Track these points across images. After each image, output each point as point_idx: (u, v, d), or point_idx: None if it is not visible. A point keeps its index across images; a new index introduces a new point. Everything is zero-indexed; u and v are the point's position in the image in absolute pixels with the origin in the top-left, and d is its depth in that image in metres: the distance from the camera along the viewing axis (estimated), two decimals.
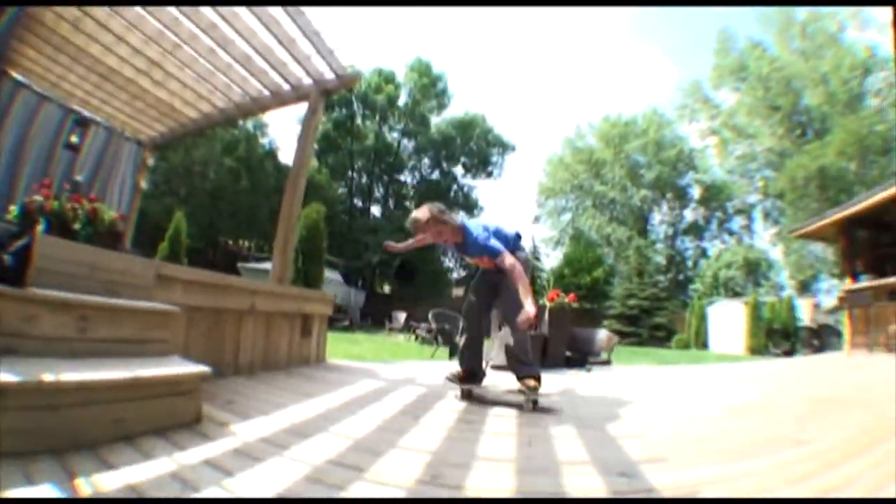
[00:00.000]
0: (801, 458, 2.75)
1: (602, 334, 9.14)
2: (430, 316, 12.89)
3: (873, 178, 28.73)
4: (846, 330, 11.74)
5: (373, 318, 27.94)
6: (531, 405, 3.95)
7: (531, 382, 4.03)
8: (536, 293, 9.91)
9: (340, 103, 38.41)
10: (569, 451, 2.80)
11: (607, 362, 8.63)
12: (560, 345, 8.08)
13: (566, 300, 8.16)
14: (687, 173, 48.34)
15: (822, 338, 18.97)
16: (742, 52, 41.98)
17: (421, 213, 4.05)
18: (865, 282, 11.17)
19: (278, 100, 7.04)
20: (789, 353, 19.13)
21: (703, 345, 25.66)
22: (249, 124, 33.14)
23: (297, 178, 6.70)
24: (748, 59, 40.90)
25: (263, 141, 35.67)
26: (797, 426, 3.60)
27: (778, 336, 21.54)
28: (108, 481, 1.85)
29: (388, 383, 4.96)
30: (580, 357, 8.30)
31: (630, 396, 5.02)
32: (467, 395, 4.36)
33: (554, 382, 5.73)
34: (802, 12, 38.80)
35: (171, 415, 2.70)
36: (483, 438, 3.00)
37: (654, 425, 3.68)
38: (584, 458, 2.67)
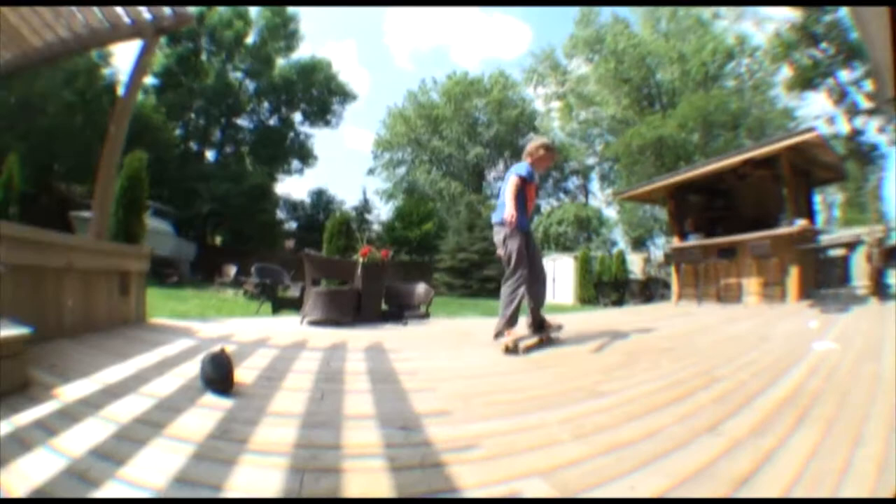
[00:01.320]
0: (595, 409, 2.98)
1: (420, 288, 9.35)
2: (252, 270, 12.85)
3: (717, 149, 31.32)
4: (674, 283, 13.27)
5: (204, 272, 26.40)
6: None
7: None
8: (352, 249, 10.57)
9: (188, 36, 35.81)
10: (358, 405, 2.99)
11: (426, 315, 8.86)
12: (375, 299, 8.40)
13: (379, 255, 8.43)
14: (528, 134, 48.94)
15: (650, 289, 20.39)
16: (603, 26, 43.09)
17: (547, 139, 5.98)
18: (696, 240, 12.65)
19: (117, 33, 6.62)
20: (618, 302, 20.39)
21: None
22: (94, 53, 30.01)
23: (120, 122, 6.43)
24: (608, 33, 42.01)
25: (108, 72, 31.60)
26: (602, 377, 3.84)
27: (608, 287, 22.75)
28: None
29: (203, 342, 4.99)
30: (397, 311, 8.61)
31: (436, 350, 5.38)
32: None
33: (364, 337, 5.91)
34: None
35: None
36: (278, 395, 3.16)
37: (450, 378, 3.84)
38: (370, 411, 2.87)
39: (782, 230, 10.49)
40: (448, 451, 2.29)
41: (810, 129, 10.39)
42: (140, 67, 6.72)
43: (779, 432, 2.54)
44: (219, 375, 3.16)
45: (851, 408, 2.99)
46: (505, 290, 5.46)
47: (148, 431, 2.37)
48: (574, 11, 44.07)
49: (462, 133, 48.64)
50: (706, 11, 39.56)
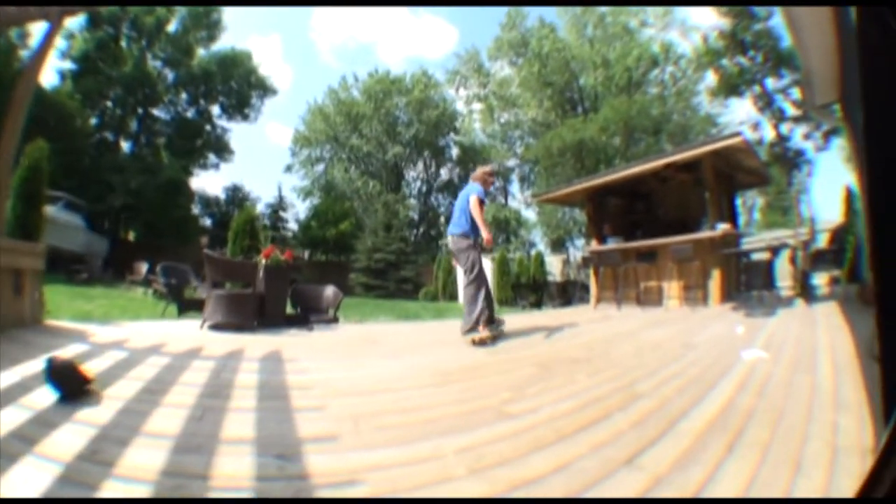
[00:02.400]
0: (500, 435, 2.75)
1: (329, 290, 9.10)
2: (157, 269, 12.15)
3: (638, 154, 31.54)
4: (593, 286, 13.16)
5: (117, 268, 24.85)
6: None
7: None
8: (255, 250, 10.08)
9: (109, 21, 33.84)
10: (237, 426, 2.81)
11: (334, 320, 8.61)
12: (279, 303, 8.04)
13: (283, 257, 8.04)
14: (448, 134, 49.20)
15: (569, 292, 20.41)
16: (529, 30, 43.09)
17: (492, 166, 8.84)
18: (615, 244, 12.52)
19: (23, 14, 6.10)
20: (536, 304, 20.24)
21: (452, 297, 26.64)
22: (14, 33, 28.05)
23: (18, 108, 5.96)
24: (533, 36, 42.05)
25: (25, 54, 28.92)
26: (512, 394, 3.60)
27: (526, 289, 22.53)
28: None
29: (96, 347, 4.75)
30: (303, 315, 8.29)
31: (336, 359, 5.17)
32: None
33: (264, 344, 5.68)
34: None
35: None
36: (157, 411, 2.97)
37: (345, 394, 3.64)
38: (248, 434, 2.66)
39: (704, 234, 10.55)
40: (326, 486, 2.12)
41: (736, 134, 10.53)
42: (42, 51, 6.33)
43: (707, 463, 2.34)
44: (60, 384, 3.05)
45: (787, 428, 2.84)
46: (468, 292, 6.56)
47: (18, 447, 2.25)
48: (500, 14, 44.25)
49: (382, 132, 47.73)
50: (633, 19, 40.51)
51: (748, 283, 11.01)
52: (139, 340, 5.35)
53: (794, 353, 5.07)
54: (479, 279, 6.50)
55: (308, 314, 8.37)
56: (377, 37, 78.48)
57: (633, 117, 34.83)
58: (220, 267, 8.25)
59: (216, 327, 6.95)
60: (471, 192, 6.73)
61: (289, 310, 8.51)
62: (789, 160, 26.47)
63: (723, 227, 10.38)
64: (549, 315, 11.72)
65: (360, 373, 4.51)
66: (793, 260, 11.04)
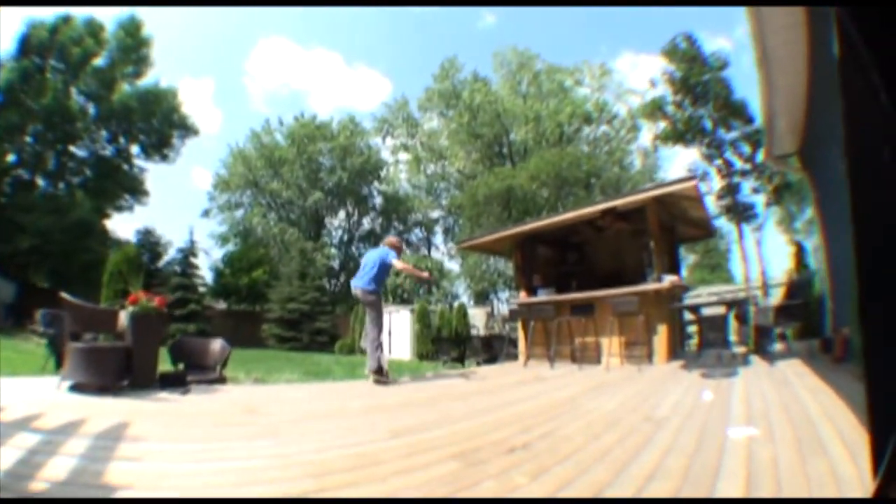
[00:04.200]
0: None
1: (216, 344, 7.68)
2: (37, 317, 10.39)
3: (568, 207, 29.95)
4: (521, 341, 12.08)
5: (17, 317, 22.99)
6: None
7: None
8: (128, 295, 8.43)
9: (37, 51, 32.20)
10: None
11: (220, 379, 7.21)
12: (149, 358, 6.48)
13: (152, 304, 6.52)
14: (372, 183, 49.15)
15: (495, 347, 19.17)
16: (462, 82, 43.06)
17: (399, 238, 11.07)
18: (546, 295, 11.50)
19: None
20: (459, 359, 18.98)
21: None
22: None
23: None
24: (465, 89, 42.05)
25: None
26: None
27: (447, 343, 21.30)
28: None
29: None
30: (180, 374, 6.83)
31: (192, 440, 3.84)
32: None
33: (114, 413, 4.40)
34: (541, 63, 41.89)
35: None
36: None
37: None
38: None
39: (650, 286, 9.58)
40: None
41: (691, 178, 9.81)
42: None
43: None
44: None
45: None
46: (371, 340, 7.93)
47: None
48: (434, 67, 44.01)
49: (303, 177, 46.80)
50: (569, 78, 41.24)
51: (703, 340, 9.90)
52: None
53: (789, 426, 3.95)
54: (378, 331, 8.03)
55: (187, 373, 6.91)
56: (310, 85, 78.59)
57: (564, 168, 34.42)
58: (77, 314, 6.85)
59: (77, 388, 5.61)
60: (388, 256, 8.33)
61: (169, 367, 7.04)
62: (739, 213, 26.04)
63: (670, 279, 9.49)
64: (472, 373, 10.03)
65: (210, 465, 3.14)
66: (741, 316, 10.17)
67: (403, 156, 48.94)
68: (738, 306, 10.37)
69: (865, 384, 1.69)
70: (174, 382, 6.51)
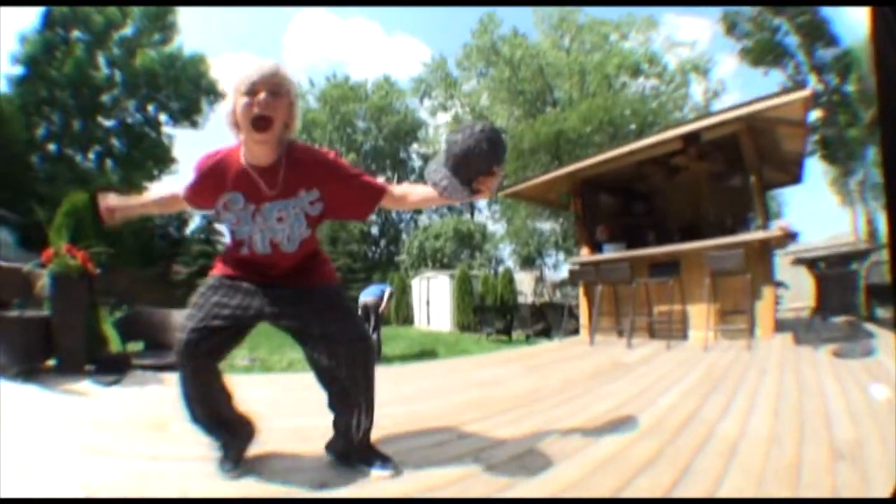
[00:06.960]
0: None
1: (177, 317, 5.46)
2: None
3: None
4: (583, 311, 9.93)
5: None
6: None
7: None
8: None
9: (62, 22, 31.56)
10: None
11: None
12: (74, 334, 4.69)
13: (74, 261, 4.67)
14: (410, 144, 47.68)
15: (546, 317, 16.60)
16: (501, 37, 40.55)
17: None
18: (615, 252, 9.30)
19: None
20: (505, 331, 16.52)
21: (406, 320, 23.64)
22: None
23: None
24: (505, 44, 39.69)
25: None
26: None
27: (492, 313, 18.72)
28: None
29: None
30: (119, 358, 5.04)
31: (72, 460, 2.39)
32: None
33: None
34: (584, 17, 39.08)
35: None
36: None
37: None
38: None
39: (756, 234, 7.32)
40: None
41: (800, 87, 7.31)
42: None
43: None
44: None
45: None
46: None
47: None
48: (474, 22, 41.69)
49: (337, 139, 45.49)
50: (614, 32, 38.47)
51: (823, 304, 7.34)
52: None
53: None
54: None
55: (131, 356, 5.22)
56: (349, 57, 78.52)
57: (618, 113, 31.72)
58: None
59: None
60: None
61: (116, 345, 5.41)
62: (843, 146, 22.60)
63: (779, 225, 7.37)
64: (524, 358, 7.20)
65: None
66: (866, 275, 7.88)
67: (442, 117, 46.82)
68: (861, 260, 8.04)
69: None
70: (111, 367, 4.75)
